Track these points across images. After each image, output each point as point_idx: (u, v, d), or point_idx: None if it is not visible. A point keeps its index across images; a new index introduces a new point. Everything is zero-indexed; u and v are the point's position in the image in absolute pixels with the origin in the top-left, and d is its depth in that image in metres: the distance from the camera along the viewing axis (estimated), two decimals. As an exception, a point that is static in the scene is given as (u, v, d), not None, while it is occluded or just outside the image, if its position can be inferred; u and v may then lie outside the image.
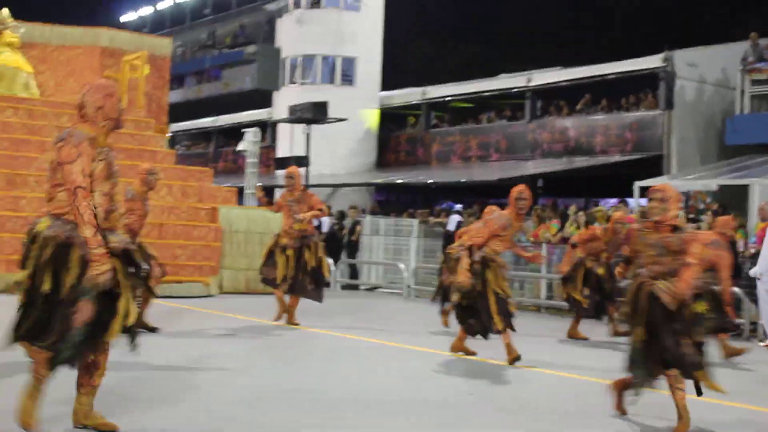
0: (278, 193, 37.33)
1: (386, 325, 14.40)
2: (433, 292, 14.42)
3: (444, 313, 13.52)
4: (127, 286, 5.73)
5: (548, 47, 46.74)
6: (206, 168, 23.35)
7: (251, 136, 28.02)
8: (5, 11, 21.76)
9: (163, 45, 24.66)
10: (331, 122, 28.47)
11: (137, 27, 63.69)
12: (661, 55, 26.62)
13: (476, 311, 10.04)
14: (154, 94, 23.68)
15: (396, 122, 37.57)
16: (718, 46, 27.69)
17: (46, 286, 5.59)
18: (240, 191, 24.67)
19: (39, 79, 22.59)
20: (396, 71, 43.09)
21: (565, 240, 17.72)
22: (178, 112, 47.55)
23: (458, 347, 10.60)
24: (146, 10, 64.31)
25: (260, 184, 21.14)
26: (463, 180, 30.25)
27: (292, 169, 13.50)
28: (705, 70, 27.20)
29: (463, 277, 9.91)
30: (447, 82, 36.02)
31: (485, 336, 10.20)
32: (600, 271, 13.07)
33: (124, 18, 66.18)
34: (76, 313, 5.55)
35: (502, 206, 10.97)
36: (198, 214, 19.10)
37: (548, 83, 30.37)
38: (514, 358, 9.97)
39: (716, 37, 29.27)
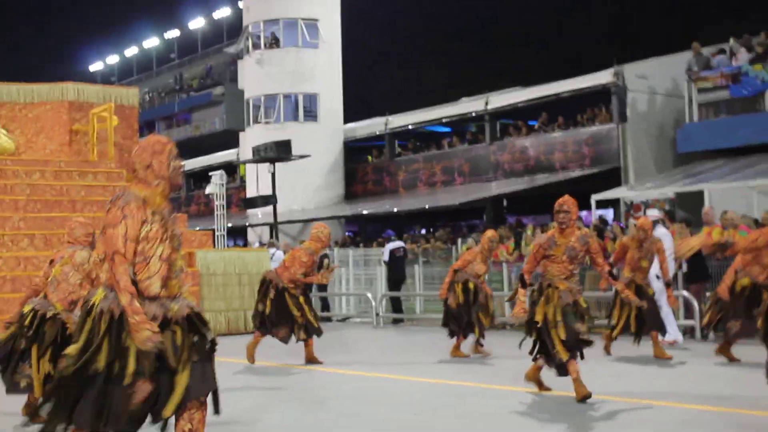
0: (250, 234, 38.09)
1: (395, 358, 14.18)
2: (443, 321, 13.92)
3: (478, 344, 13.58)
4: (185, 360, 5.28)
5: (505, 67, 47.80)
6: (179, 214, 23.81)
7: (217, 178, 28.58)
8: None
9: (130, 95, 24.94)
10: (295, 159, 29.12)
11: (105, 75, 64.44)
12: (611, 70, 27.44)
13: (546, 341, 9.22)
14: (125, 144, 23.77)
15: (361, 154, 38.42)
16: (667, 57, 28.32)
17: (101, 364, 5.13)
18: (213, 233, 25.18)
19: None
20: (360, 102, 43.99)
21: (522, 258, 18.23)
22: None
23: (533, 377, 9.78)
24: (113, 59, 64.90)
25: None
26: (428, 206, 30.80)
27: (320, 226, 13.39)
28: (656, 81, 27.97)
29: (518, 309, 9.36)
30: (411, 109, 36.82)
31: (560, 372, 9.23)
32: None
33: (93, 67, 66.81)
34: (132, 394, 5.16)
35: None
36: None
37: (506, 105, 31.16)
38: (583, 397, 8.98)
39: (665, 48, 30.08)
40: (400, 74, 55.43)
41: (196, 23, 57.48)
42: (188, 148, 47.61)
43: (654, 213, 15.51)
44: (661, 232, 14.08)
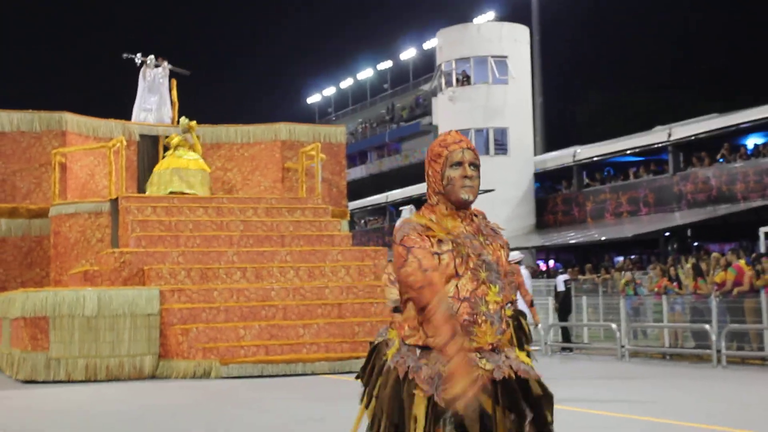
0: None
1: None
2: None
3: None
4: None
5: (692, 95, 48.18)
6: (380, 247, 25.01)
7: (407, 213, 30.39)
8: (184, 119, 24.01)
9: (338, 133, 26.42)
10: (481, 194, 30.68)
11: (322, 107, 67.52)
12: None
13: None
14: (333, 180, 25.46)
15: (552, 183, 39.85)
16: None
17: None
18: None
19: (228, 175, 25.46)
20: (554, 133, 45.40)
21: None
22: (362, 188, 50.53)
23: None
24: (330, 91, 67.54)
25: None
26: (629, 235, 31.36)
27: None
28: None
29: None
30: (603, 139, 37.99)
31: None
32: None
33: (311, 100, 69.95)
34: None
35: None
36: (374, 292, 20.15)
37: (689, 136, 31.94)
38: None
39: None
40: (594, 103, 56.21)
41: (408, 54, 59.02)
42: (398, 178, 49.79)
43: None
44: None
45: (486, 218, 4.20)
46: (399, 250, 3.87)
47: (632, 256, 31.74)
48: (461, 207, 4.05)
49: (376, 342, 4.30)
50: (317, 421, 11.35)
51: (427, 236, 3.93)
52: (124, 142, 22.81)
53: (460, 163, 4.02)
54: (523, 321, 4.30)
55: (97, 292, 17.56)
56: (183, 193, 22.77)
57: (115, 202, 21.75)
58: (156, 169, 23.84)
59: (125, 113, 26.27)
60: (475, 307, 3.87)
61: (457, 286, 3.89)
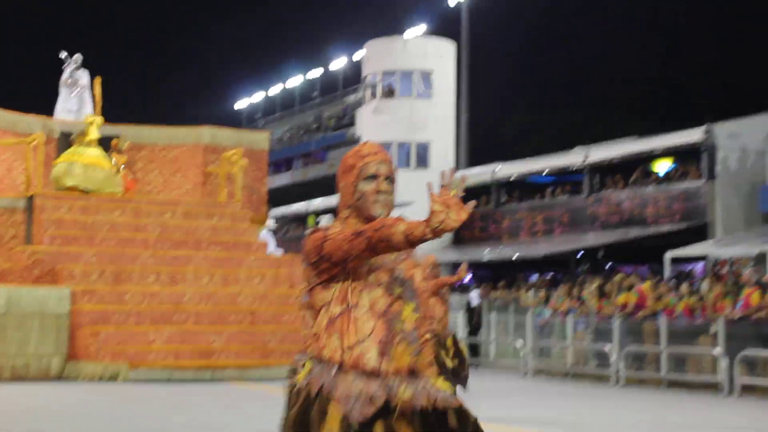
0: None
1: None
2: None
3: None
4: None
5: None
6: (297, 254, 25.18)
7: (325, 221, 30.76)
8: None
9: (261, 139, 26.37)
10: (399, 206, 31.09)
11: (250, 113, 67.24)
12: (702, 128, 28.71)
13: None
14: (254, 186, 25.22)
15: (469, 200, 40.25)
16: (760, 116, 29.19)
17: None
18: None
19: (149, 177, 25.01)
20: (479, 149, 45.99)
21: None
22: (286, 195, 50.51)
23: None
24: (259, 96, 67.21)
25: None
26: (543, 254, 32.07)
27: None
28: (747, 140, 28.80)
29: None
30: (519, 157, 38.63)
31: None
32: None
33: (238, 104, 69.67)
34: None
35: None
36: (288, 300, 20.27)
37: (603, 159, 32.67)
38: None
39: (760, 107, 30.97)
40: (514, 123, 56.99)
41: (338, 63, 58.49)
42: (322, 186, 49.91)
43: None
44: None
45: None
46: (314, 236, 3.69)
47: (546, 275, 32.33)
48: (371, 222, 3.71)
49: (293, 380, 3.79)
50: (219, 429, 11.47)
51: None
52: (44, 138, 22.59)
53: (374, 177, 3.80)
54: (449, 342, 4.35)
55: (6, 290, 17.44)
56: (80, 190, 22.22)
57: (30, 199, 21.55)
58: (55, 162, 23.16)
59: (48, 109, 25.98)
60: (391, 325, 3.67)
61: (370, 297, 3.68)
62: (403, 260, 3.81)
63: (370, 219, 3.73)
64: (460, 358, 4.47)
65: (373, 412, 3.54)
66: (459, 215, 3.49)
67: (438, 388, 3.69)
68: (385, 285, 3.70)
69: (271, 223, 25.25)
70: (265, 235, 23.60)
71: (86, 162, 22.63)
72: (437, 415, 3.61)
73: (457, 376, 4.30)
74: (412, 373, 3.66)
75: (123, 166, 23.83)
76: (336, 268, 3.64)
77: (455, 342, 10.28)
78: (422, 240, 3.44)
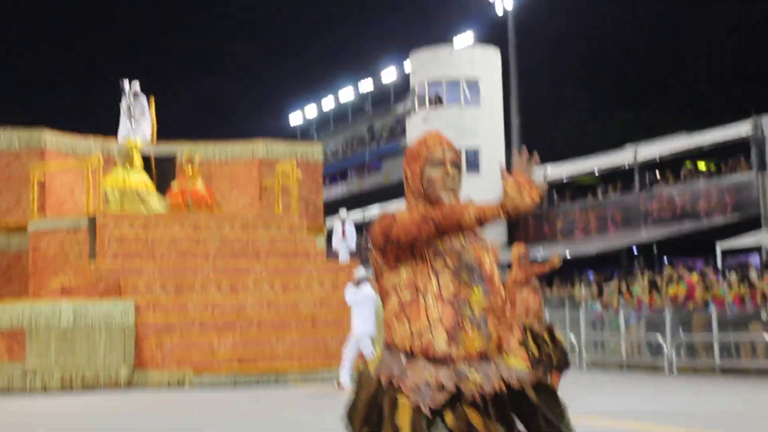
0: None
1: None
2: None
3: None
4: None
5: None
6: (355, 261, 25.28)
7: (343, 212, 30.33)
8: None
9: (315, 150, 26.62)
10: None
11: (304, 127, 67.91)
12: (749, 121, 28.77)
13: None
14: (310, 197, 25.51)
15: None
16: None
17: None
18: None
19: None
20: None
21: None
22: (343, 206, 51.00)
23: None
24: (311, 109, 67.79)
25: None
26: (596, 251, 32.48)
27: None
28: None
29: None
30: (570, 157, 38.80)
31: None
32: None
33: (293, 118, 70.34)
34: None
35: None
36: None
37: (653, 156, 32.80)
38: None
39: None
40: (563, 126, 57.04)
41: (388, 73, 58.14)
42: (378, 196, 50.40)
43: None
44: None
45: None
46: (383, 221, 3.70)
47: (604, 271, 32.49)
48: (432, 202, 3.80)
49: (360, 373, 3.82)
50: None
51: None
52: (101, 161, 23.23)
53: (440, 163, 3.80)
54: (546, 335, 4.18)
55: (73, 305, 18.10)
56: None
57: (92, 218, 22.15)
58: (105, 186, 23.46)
59: (108, 128, 26.45)
60: (459, 312, 3.64)
61: (439, 282, 3.68)
62: (471, 245, 3.78)
63: (437, 204, 3.74)
64: (560, 349, 4.52)
65: (445, 399, 3.54)
66: (532, 196, 3.42)
67: (511, 367, 3.67)
68: (453, 270, 3.68)
69: (343, 212, 25.68)
70: (342, 225, 24.02)
71: (121, 187, 23.23)
72: (513, 395, 3.64)
73: (559, 366, 4.33)
74: (483, 357, 3.65)
75: (199, 179, 24.19)
76: (403, 251, 3.66)
77: (551, 334, 10.42)
78: (494, 221, 3.48)
